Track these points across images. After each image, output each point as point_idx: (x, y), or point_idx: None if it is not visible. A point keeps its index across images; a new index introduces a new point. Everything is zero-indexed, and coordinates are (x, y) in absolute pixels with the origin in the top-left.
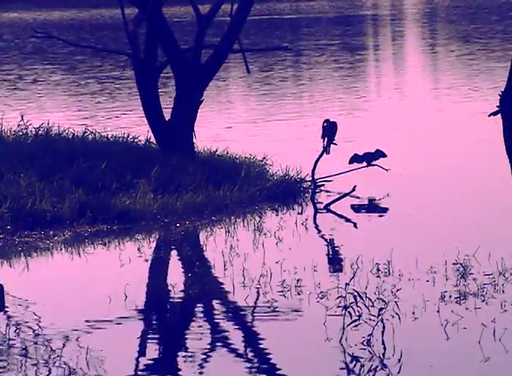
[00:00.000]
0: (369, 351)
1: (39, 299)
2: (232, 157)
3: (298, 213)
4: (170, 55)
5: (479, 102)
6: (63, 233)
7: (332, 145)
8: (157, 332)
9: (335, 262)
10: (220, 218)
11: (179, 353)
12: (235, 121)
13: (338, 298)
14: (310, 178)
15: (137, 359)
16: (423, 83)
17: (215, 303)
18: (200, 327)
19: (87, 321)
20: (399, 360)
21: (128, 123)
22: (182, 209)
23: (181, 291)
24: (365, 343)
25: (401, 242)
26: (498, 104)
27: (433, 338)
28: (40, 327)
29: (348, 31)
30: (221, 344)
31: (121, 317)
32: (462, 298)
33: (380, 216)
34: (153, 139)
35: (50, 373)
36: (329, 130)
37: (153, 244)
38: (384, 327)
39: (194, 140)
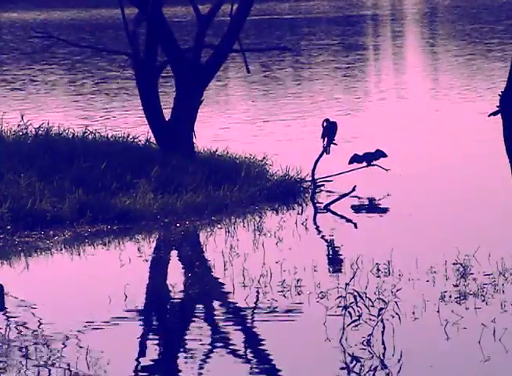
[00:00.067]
0: (369, 351)
1: (39, 299)
2: (232, 157)
3: (298, 213)
4: (170, 55)
5: (479, 102)
6: (63, 233)
7: (332, 145)
8: (157, 332)
9: (335, 262)
10: (220, 218)
11: (179, 353)
12: (235, 121)
13: (338, 298)
14: (310, 178)
15: (137, 360)
16: (423, 83)
17: (215, 303)
18: (200, 327)
19: (87, 321)
20: (399, 360)
21: (128, 123)
22: (182, 209)
23: (181, 291)
24: (365, 343)
25: (401, 242)
26: (498, 104)
27: (433, 338)
28: (40, 327)
29: (348, 31)
30: (221, 344)
31: (121, 317)
32: (462, 298)
33: (380, 216)
34: (153, 139)
35: (50, 373)
36: (329, 130)
37: (153, 244)
38: (383, 327)
39: (194, 140)
